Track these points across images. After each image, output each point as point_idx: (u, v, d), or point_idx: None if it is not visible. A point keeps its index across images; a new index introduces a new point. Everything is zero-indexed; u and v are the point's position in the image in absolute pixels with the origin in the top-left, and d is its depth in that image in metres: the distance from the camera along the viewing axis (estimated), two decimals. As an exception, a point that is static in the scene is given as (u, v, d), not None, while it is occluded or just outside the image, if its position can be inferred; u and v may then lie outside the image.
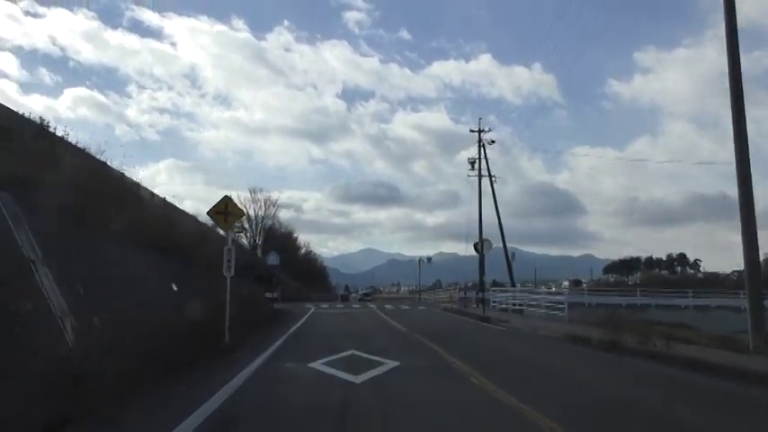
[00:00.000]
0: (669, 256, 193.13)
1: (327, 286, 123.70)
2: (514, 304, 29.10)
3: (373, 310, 31.15)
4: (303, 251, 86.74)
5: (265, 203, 58.26)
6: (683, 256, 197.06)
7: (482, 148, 43.05)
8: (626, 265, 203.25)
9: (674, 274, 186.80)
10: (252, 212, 57.93)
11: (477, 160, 43.12)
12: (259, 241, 60.40)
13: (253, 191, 58.66)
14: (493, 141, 43.00)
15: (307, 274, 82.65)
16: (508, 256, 43.74)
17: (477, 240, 43.05)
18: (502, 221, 43.14)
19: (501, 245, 43.90)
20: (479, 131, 43.12)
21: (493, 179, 43.01)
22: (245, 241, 59.36)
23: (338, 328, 18.77)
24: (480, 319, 23.84)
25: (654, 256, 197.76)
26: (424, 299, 57.16)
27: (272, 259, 30.85)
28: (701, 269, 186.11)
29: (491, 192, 43.56)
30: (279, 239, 77.87)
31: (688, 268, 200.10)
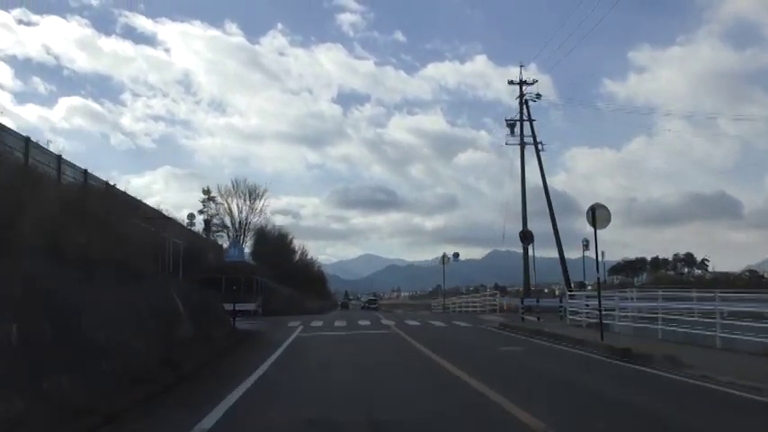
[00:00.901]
0: (675, 255, 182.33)
1: (326, 293, 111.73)
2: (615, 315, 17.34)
3: (393, 330, 19.05)
4: (298, 255, 74.96)
5: (251, 196, 46.20)
6: (689, 256, 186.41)
7: (524, 105, 31.39)
8: (631, 266, 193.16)
9: (682, 274, 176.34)
10: (235, 208, 45.85)
11: (519, 122, 31.51)
12: (245, 244, 48.22)
13: (235, 182, 46.69)
14: (539, 95, 31.28)
15: (303, 281, 70.86)
16: (562, 251, 32.02)
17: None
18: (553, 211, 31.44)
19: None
20: (521, 83, 31.45)
21: (540, 147, 31.43)
22: (226, 245, 47.30)
23: (342, 404, 7.04)
24: (610, 352, 11.95)
25: (660, 257, 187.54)
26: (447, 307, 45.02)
27: (234, 254, 19.21)
28: (711, 269, 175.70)
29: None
30: (271, 243, 66.54)
31: (695, 268, 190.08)
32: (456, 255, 39.61)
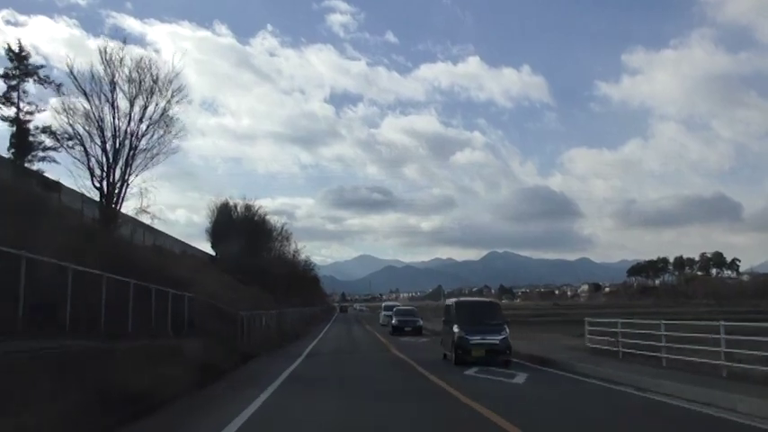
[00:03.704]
0: (703, 255, 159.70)
1: (319, 296, 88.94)
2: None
3: None
4: (278, 244, 52.18)
5: (141, 86, 19.52)
6: (718, 256, 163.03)
7: None
8: (652, 267, 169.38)
9: (708, 275, 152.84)
10: (107, 111, 17.27)
11: None
12: (129, 188, 17.92)
13: (104, 51, 17.44)
14: None
15: (286, 280, 48.17)
16: None
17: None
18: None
19: None
20: None
21: None
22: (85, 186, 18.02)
23: None
24: None
25: (684, 256, 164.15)
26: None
27: None
28: (751, 268, 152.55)
29: None
30: (239, 220, 44.23)
31: (725, 269, 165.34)
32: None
